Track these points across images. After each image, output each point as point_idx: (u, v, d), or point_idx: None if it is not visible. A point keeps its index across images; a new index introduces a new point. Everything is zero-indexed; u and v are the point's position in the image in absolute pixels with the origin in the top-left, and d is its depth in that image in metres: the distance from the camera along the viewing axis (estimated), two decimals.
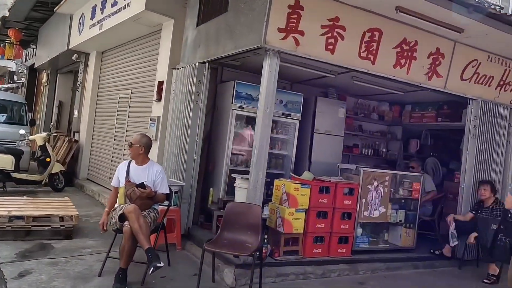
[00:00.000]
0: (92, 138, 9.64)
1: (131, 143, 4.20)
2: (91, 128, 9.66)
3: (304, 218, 4.84)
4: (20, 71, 18.28)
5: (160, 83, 6.47)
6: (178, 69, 6.07)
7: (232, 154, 5.80)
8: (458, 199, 5.95)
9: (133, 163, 4.30)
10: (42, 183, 8.17)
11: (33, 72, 16.05)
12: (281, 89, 6.01)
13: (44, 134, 8.42)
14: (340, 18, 4.55)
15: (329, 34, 4.56)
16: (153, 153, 6.17)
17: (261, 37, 4.26)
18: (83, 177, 9.59)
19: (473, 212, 5.70)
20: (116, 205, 4.19)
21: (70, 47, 9.73)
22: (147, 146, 4.26)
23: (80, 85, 10.12)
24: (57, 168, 8.41)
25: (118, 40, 8.23)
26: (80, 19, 9.08)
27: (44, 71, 14.06)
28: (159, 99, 6.42)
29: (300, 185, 4.82)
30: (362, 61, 4.85)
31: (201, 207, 5.89)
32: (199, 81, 5.47)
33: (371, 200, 5.35)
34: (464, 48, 5.50)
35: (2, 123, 9.50)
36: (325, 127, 6.33)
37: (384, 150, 7.72)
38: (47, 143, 8.41)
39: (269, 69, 4.42)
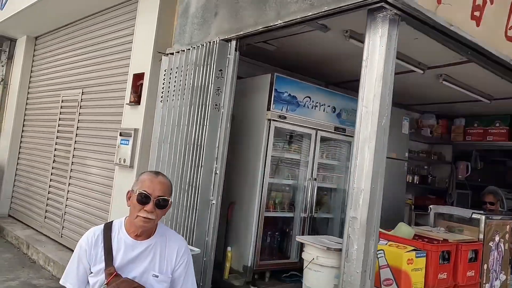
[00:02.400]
0: (18, 158, 6.81)
1: (161, 197, 1.93)
2: (17, 144, 6.83)
3: None
4: None
5: (138, 77, 4.11)
6: (171, 54, 3.78)
7: (270, 191, 3.60)
8: None
9: (119, 230, 1.97)
10: None
11: None
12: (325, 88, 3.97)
13: None
14: None
15: None
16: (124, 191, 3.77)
17: None
18: (2, 214, 6.70)
19: None
20: None
21: None
22: None
23: (1, 83, 7.25)
24: None
25: (62, 17, 5.67)
26: None
27: None
28: (136, 102, 4.04)
29: (414, 252, 2.76)
30: (508, 44, 2.95)
31: None
32: (220, 71, 3.23)
33: (492, 265, 3.44)
34: None
35: None
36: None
37: (430, 175, 5.93)
38: None
39: (387, 45, 2.34)
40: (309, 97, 3.73)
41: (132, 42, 4.31)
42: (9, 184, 6.77)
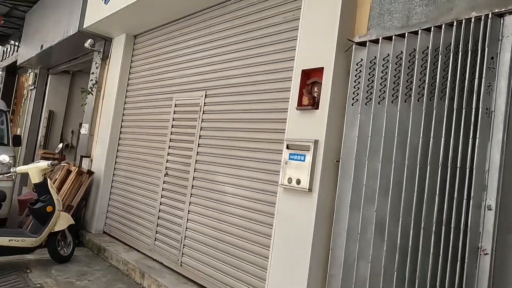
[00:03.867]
0: (115, 169, 6.13)
1: None
2: (114, 154, 6.15)
3: None
4: None
5: (307, 74, 3.20)
6: (372, 42, 2.83)
7: None
8: None
9: None
10: (34, 249, 4.68)
11: (11, 74, 12.38)
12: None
13: (44, 164, 4.85)
14: None
15: None
16: (299, 221, 2.85)
17: None
18: (97, 230, 6.02)
19: None
20: None
21: (85, 27, 6.29)
22: None
23: (95, 86, 6.63)
24: (63, 222, 4.91)
25: (182, 7, 4.91)
26: None
27: (30, 70, 10.42)
28: (312, 105, 3.11)
29: None
30: None
31: None
32: (492, 59, 2.22)
33: None
34: None
35: None
36: None
37: None
38: (48, 180, 4.88)
39: None
40: None
41: (297, 29, 3.40)
42: (105, 197, 6.08)
